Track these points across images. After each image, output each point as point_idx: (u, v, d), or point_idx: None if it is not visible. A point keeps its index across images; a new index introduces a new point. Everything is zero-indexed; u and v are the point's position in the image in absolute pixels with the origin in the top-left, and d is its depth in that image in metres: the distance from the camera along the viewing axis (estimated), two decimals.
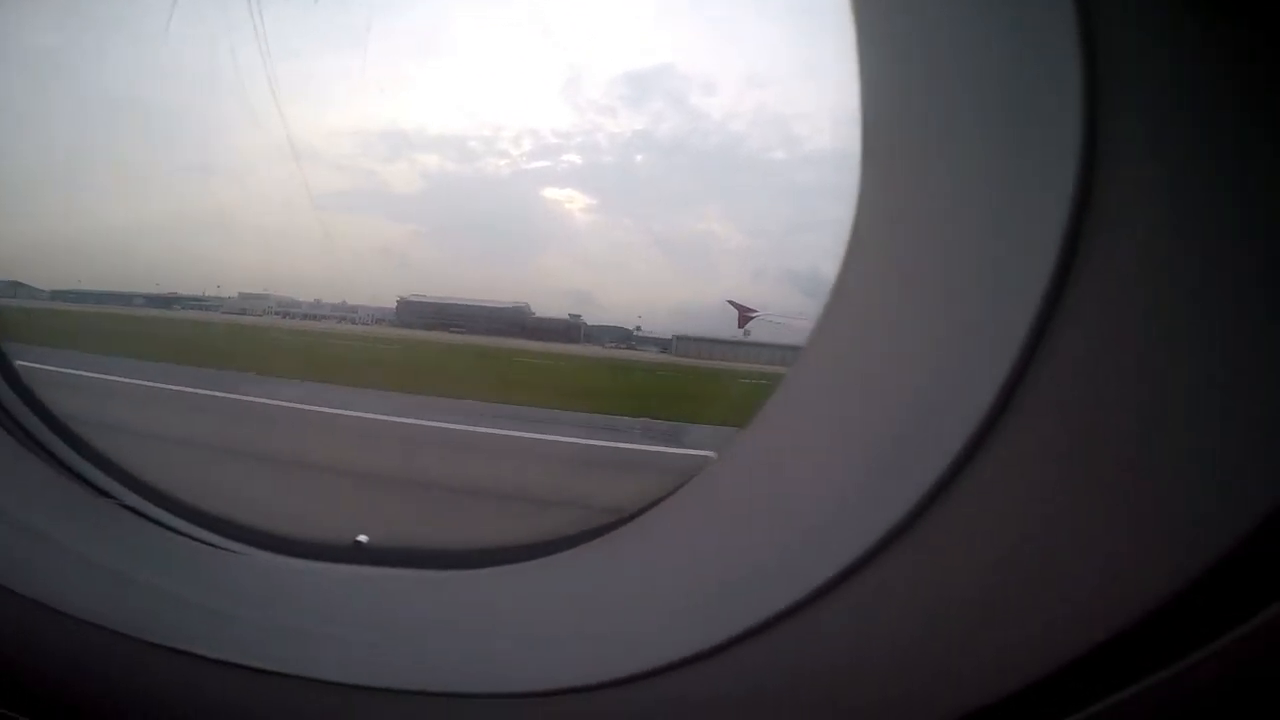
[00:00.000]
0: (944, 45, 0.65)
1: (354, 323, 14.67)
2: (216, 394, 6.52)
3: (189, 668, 0.91)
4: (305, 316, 14.65)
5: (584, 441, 6.14)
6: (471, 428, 6.27)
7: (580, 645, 0.82)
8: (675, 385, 11.20)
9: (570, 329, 14.53)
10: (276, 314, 14.49)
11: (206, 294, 14.82)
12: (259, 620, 0.96)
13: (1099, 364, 0.55)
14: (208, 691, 0.92)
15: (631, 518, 0.91)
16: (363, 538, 1.11)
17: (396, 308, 15.02)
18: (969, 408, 0.59)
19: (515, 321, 14.62)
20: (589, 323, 14.53)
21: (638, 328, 14.42)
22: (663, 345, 14.07)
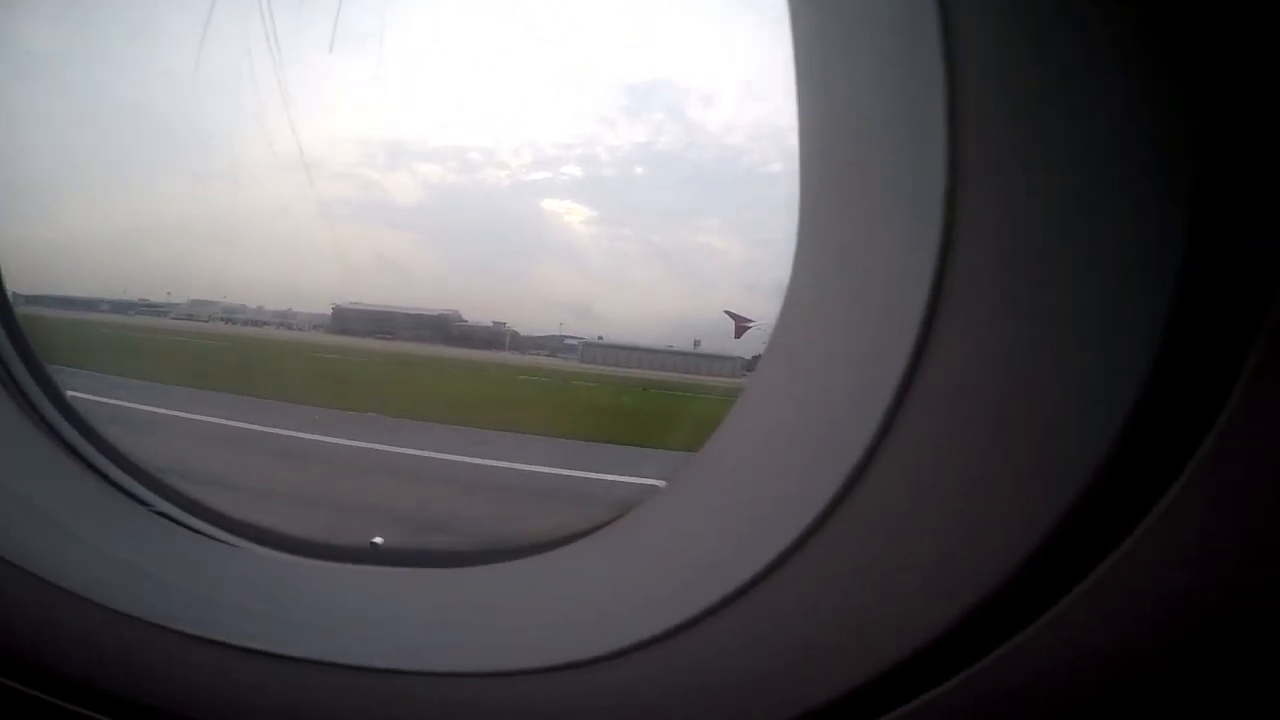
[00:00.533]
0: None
1: (290, 328, 14.33)
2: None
3: (218, 655, 1.00)
4: (247, 322, 14.17)
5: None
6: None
7: (569, 628, 0.90)
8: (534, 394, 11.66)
9: (496, 336, 14.53)
10: (221, 320, 14.02)
11: (159, 300, 14.20)
12: (281, 613, 1.07)
13: (976, 366, 0.61)
14: (239, 677, 1.01)
15: (615, 519, 1.03)
16: (378, 539, 1.25)
17: (332, 314, 14.81)
18: (868, 413, 0.65)
19: (441, 328, 14.62)
20: (521, 332, 14.53)
21: (567, 336, 14.46)
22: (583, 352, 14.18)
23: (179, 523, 1.23)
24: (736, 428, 0.91)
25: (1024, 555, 0.61)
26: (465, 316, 14.52)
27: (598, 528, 1.05)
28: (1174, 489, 0.57)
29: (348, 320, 14.64)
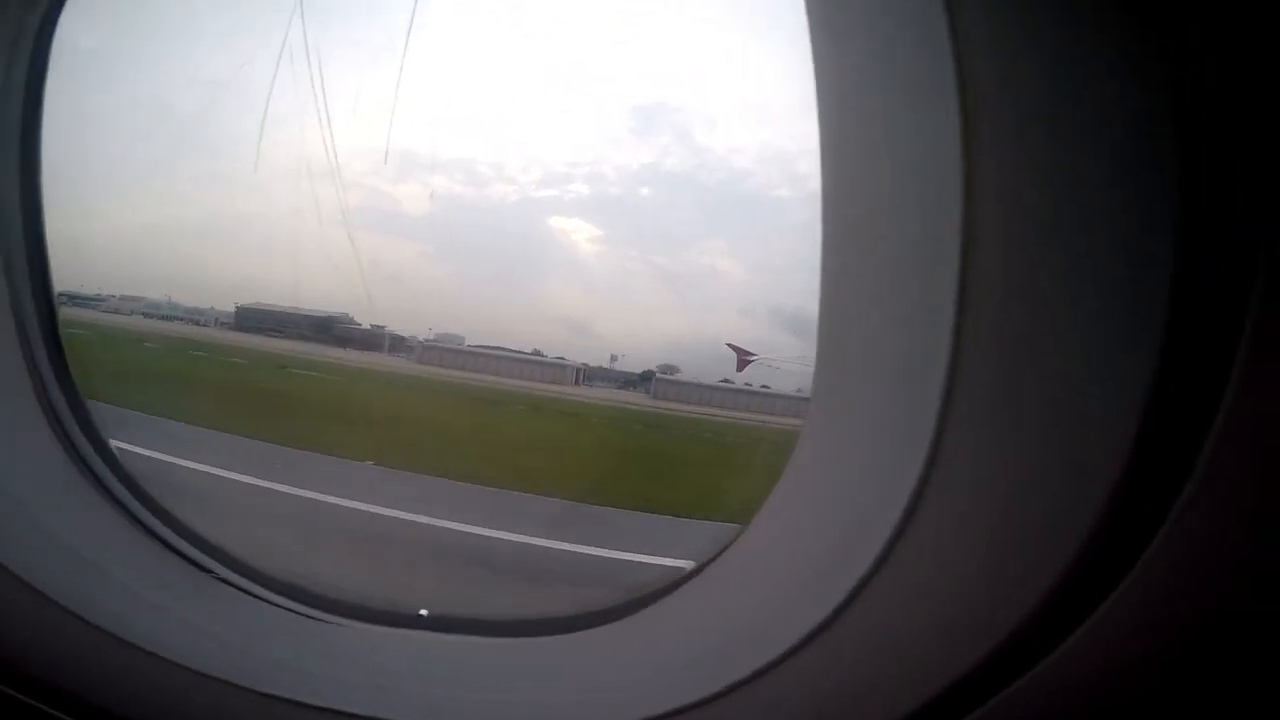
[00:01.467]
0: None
1: (198, 324, 13.64)
2: None
3: (268, 709, 1.09)
4: (162, 317, 13.49)
5: None
6: None
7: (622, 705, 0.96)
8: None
9: (376, 339, 14.32)
10: (141, 314, 13.28)
11: (95, 292, 13.11)
12: (334, 675, 1.14)
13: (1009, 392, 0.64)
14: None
15: (666, 591, 1.08)
16: (423, 611, 1.30)
17: (235, 313, 14.19)
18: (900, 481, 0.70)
19: (328, 329, 14.31)
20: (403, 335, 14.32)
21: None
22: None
23: (231, 584, 1.30)
24: (779, 506, 0.95)
25: (1056, 575, 0.64)
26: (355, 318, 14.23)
27: (645, 602, 1.11)
28: (1188, 487, 0.58)
29: (248, 319, 14.08)
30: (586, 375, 13.18)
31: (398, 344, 13.55)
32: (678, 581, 1.09)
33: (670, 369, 12.45)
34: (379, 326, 13.81)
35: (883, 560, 0.73)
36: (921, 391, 0.67)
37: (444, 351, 13.33)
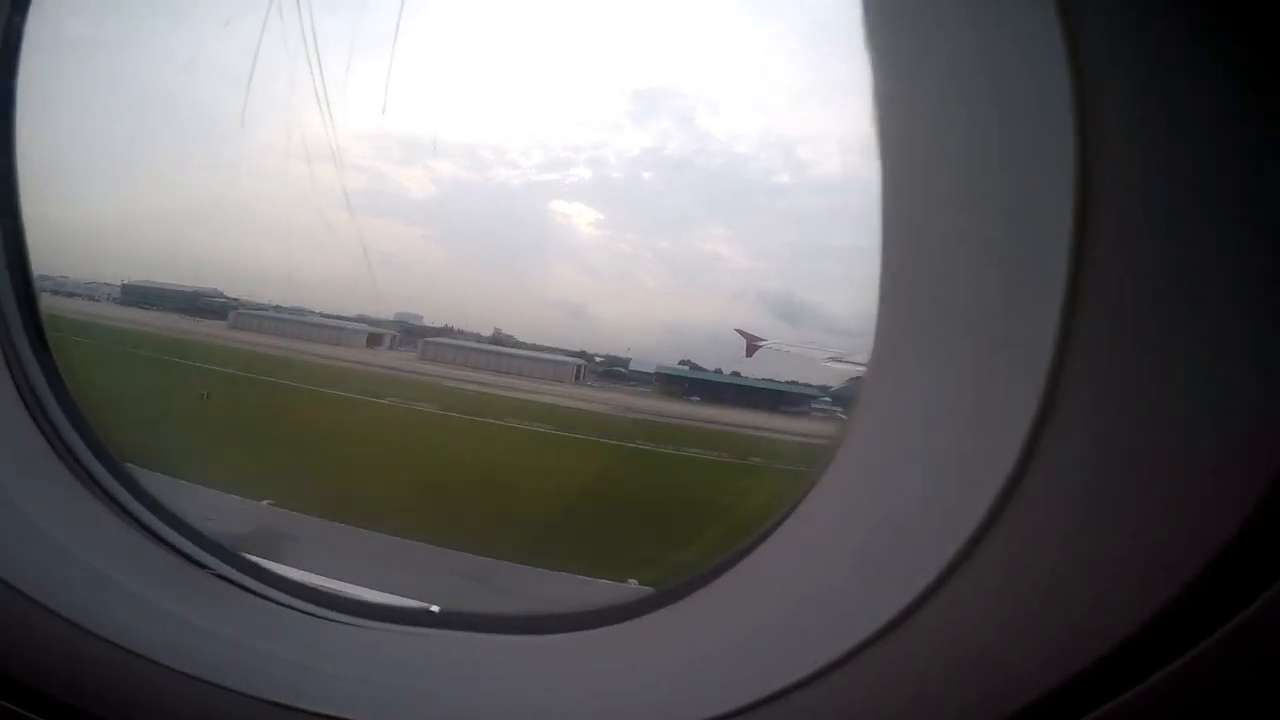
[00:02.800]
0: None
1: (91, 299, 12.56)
2: None
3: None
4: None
5: None
6: None
7: (645, 707, 0.94)
8: None
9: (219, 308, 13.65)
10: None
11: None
12: (347, 676, 1.11)
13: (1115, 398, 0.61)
14: None
15: (687, 590, 1.04)
16: (434, 608, 1.26)
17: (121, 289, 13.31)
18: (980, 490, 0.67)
19: (195, 304, 13.61)
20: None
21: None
22: None
23: (234, 583, 1.23)
24: (822, 504, 0.92)
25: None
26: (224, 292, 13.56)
27: (665, 597, 1.08)
28: None
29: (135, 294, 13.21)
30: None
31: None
32: (705, 577, 1.05)
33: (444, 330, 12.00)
34: (235, 298, 13.17)
35: (954, 567, 0.70)
36: (1015, 388, 0.65)
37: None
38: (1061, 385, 0.62)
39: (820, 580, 0.88)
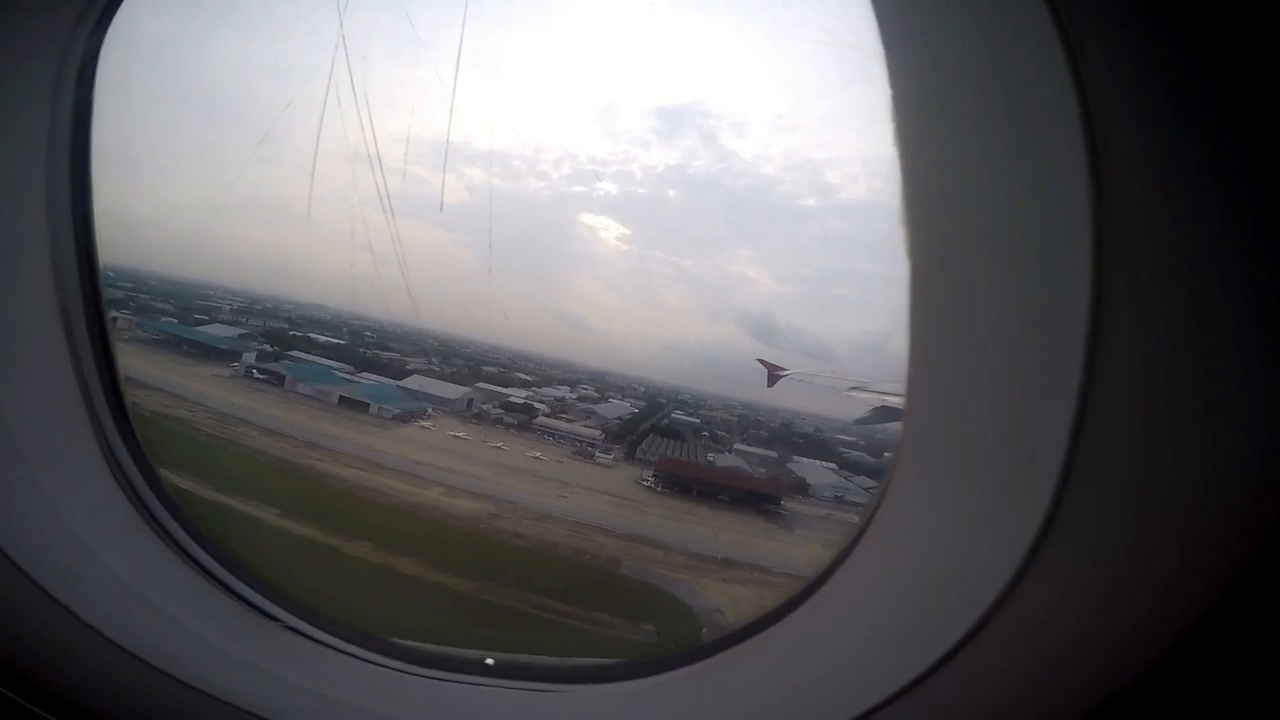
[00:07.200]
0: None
1: None
2: None
3: None
4: None
5: None
6: None
7: None
8: None
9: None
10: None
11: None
12: None
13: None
14: None
15: (737, 639, 1.09)
16: (489, 660, 1.28)
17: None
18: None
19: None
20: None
21: None
22: None
23: (309, 637, 1.27)
24: (871, 552, 0.97)
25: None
26: None
27: (723, 643, 1.13)
28: None
29: None
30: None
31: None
32: (756, 625, 1.10)
33: None
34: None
35: (992, 613, 0.76)
36: (1046, 423, 0.68)
37: None
38: (1071, 484, 0.68)
39: (843, 646, 0.95)
